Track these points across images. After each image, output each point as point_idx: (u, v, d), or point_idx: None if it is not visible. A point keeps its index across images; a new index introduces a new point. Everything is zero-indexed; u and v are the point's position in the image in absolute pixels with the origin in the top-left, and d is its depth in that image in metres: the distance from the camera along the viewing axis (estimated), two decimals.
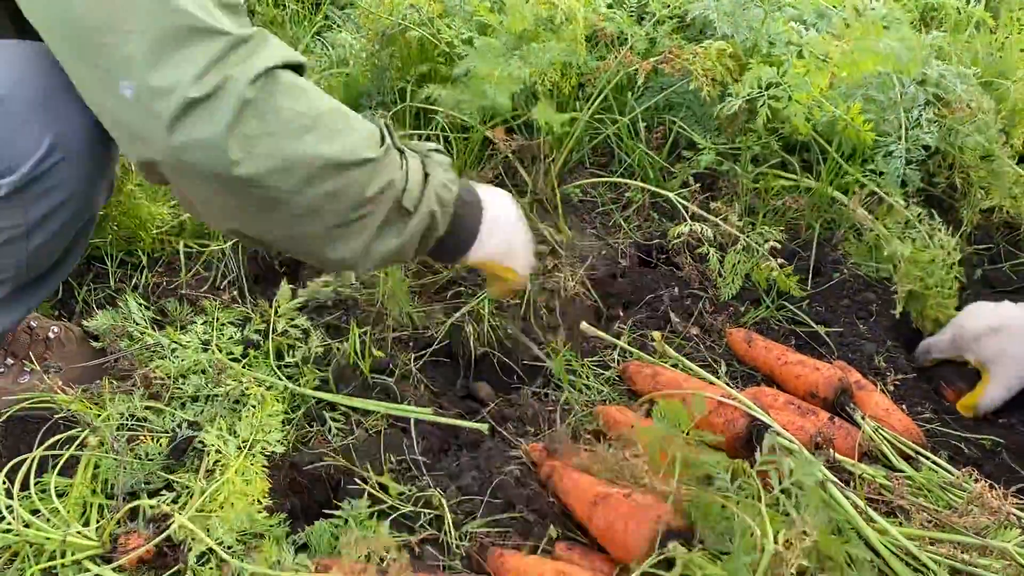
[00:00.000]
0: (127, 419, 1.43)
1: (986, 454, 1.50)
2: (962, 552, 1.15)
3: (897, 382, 1.60)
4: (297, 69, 1.10)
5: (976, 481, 1.26)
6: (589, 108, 1.95)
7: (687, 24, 2.02)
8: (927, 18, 1.96)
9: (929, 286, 1.64)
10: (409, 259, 1.30)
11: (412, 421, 1.47)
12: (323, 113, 1.09)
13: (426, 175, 1.23)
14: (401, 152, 1.22)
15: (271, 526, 1.27)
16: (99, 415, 1.41)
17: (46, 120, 1.21)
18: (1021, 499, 1.27)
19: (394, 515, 1.31)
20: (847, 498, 1.20)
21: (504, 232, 1.38)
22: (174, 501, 1.30)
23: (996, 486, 1.23)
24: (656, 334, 1.48)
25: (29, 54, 1.20)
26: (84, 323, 1.62)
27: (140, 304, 1.67)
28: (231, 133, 1.01)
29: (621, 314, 1.78)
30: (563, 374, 1.54)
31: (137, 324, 1.63)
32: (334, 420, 1.49)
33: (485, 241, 1.34)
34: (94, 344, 1.62)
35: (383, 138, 1.17)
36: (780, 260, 1.82)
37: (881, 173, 1.77)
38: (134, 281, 1.81)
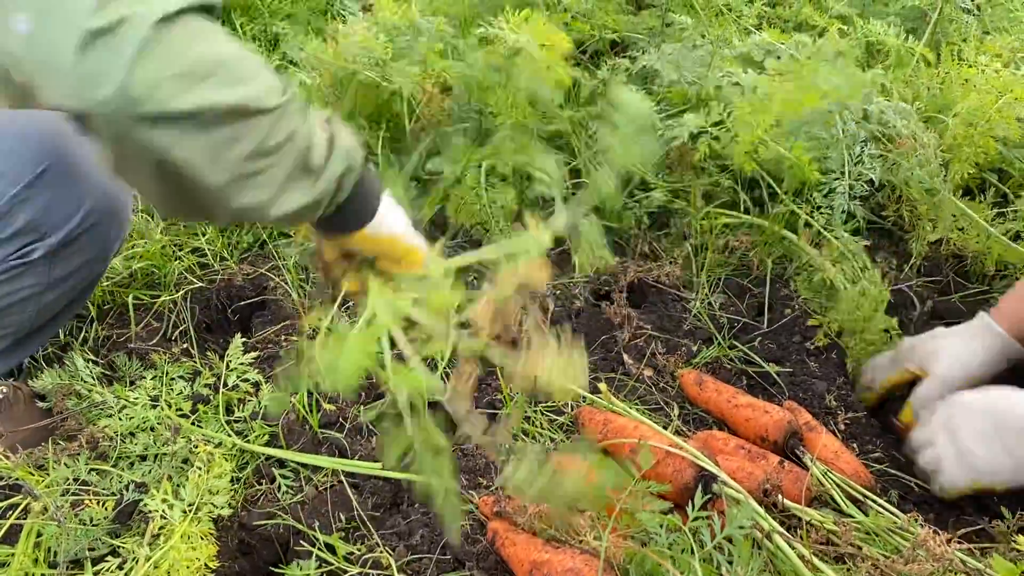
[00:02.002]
0: (71, 483, 1.41)
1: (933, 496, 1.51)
2: None
3: (848, 420, 1.61)
4: (208, 10, 1.07)
5: (922, 526, 1.27)
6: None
7: (631, 74, 2.04)
8: (871, 53, 1.99)
9: (857, 321, 1.66)
10: (313, 221, 1.28)
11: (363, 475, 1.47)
12: (227, 59, 1.06)
13: (332, 137, 1.20)
14: (303, 106, 1.17)
15: None
16: (42, 480, 1.38)
17: (87, 187, 1.24)
18: (963, 544, 1.28)
19: None
20: (792, 548, 1.21)
21: (402, 206, 1.37)
22: (119, 568, 1.28)
23: (939, 532, 1.24)
24: (602, 385, 1.48)
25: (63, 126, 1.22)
26: (30, 382, 1.60)
27: (88, 360, 1.65)
28: (132, 72, 0.98)
29: None
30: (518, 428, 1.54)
31: (84, 382, 1.61)
32: (283, 477, 1.48)
33: (388, 211, 1.32)
34: (41, 404, 1.60)
35: (284, 88, 1.14)
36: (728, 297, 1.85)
37: (819, 207, 1.80)
38: (83, 334, 1.79)
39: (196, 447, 1.46)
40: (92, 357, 1.67)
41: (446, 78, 2.04)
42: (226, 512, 1.33)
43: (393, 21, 2.12)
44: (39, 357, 1.73)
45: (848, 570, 1.25)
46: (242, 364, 1.63)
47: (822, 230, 1.77)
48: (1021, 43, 1.97)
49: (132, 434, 1.52)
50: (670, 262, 1.91)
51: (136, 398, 1.57)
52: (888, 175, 1.77)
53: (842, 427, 1.60)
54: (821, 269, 1.73)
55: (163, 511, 1.30)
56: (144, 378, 1.63)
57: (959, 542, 1.25)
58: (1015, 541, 1.28)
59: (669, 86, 2.03)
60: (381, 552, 1.31)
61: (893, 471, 1.53)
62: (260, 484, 1.48)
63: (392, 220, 1.33)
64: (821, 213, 1.80)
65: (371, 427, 1.60)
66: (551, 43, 1.80)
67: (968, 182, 1.90)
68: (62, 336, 1.79)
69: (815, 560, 1.20)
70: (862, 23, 1.93)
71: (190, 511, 1.31)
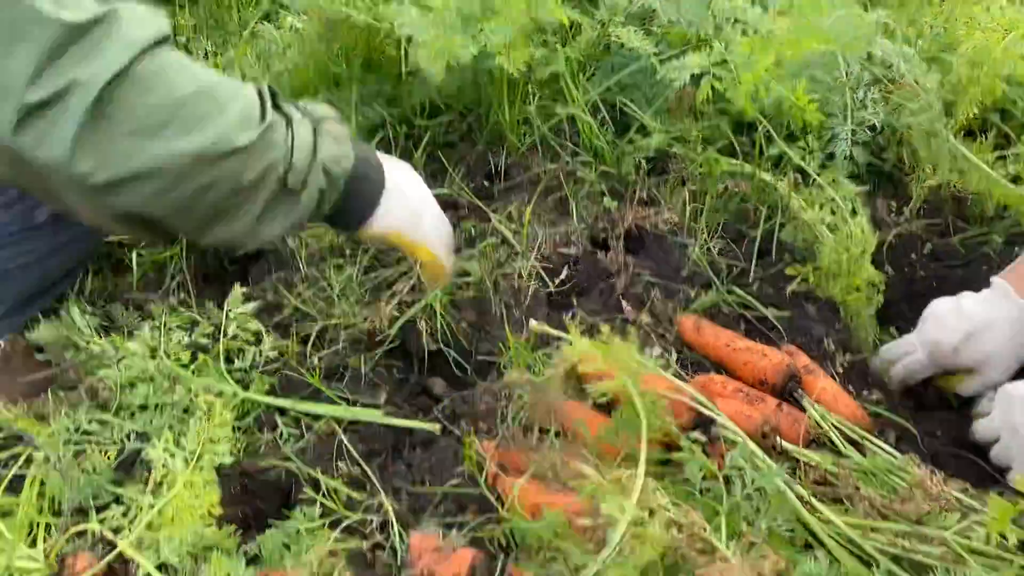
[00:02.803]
0: (73, 433, 1.41)
1: (930, 435, 1.52)
2: (903, 539, 1.18)
3: (846, 364, 1.61)
4: (161, 42, 0.98)
5: (918, 467, 1.28)
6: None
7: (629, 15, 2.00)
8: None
9: (842, 265, 1.65)
10: (303, 230, 1.25)
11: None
12: (188, 96, 0.98)
13: (315, 148, 1.14)
14: (289, 121, 1.13)
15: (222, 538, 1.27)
16: (44, 431, 1.39)
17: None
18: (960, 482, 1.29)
19: (347, 522, 1.31)
20: (792, 490, 1.22)
21: (407, 201, 1.35)
22: (124, 515, 1.30)
23: (936, 472, 1.26)
24: (604, 327, 1.48)
25: None
26: (27, 334, 1.60)
27: (84, 311, 1.65)
28: (78, 145, 0.92)
29: (575, 302, 1.78)
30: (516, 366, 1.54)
31: (82, 332, 1.61)
32: (285, 425, 1.48)
33: (386, 211, 1.30)
34: (40, 356, 1.60)
35: (263, 112, 1.07)
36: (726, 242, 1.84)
37: (812, 151, 1.78)
38: (79, 286, 1.78)
39: (196, 396, 1.47)
40: (89, 309, 1.67)
41: None
42: (228, 460, 1.34)
43: None
44: None
45: (846, 510, 1.27)
46: (242, 313, 1.63)
47: (815, 175, 1.75)
48: None
49: (132, 385, 1.52)
50: (669, 208, 1.89)
51: (135, 349, 1.57)
52: (890, 118, 1.75)
53: (840, 370, 1.61)
54: (803, 216, 1.71)
55: (165, 460, 1.30)
56: (142, 329, 1.63)
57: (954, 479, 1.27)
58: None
59: (668, 25, 2.00)
60: (383, 498, 1.33)
61: (891, 414, 1.54)
62: (262, 433, 1.48)
63: (395, 217, 1.31)
64: (813, 157, 1.78)
65: (371, 376, 1.60)
66: None
67: (971, 123, 1.88)
68: None
69: (813, 500, 1.22)
70: None
71: (192, 459, 1.32)
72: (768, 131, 1.79)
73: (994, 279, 1.58)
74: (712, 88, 1.68)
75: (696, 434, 1.30)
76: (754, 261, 1.82)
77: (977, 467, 1.49)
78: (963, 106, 1.82)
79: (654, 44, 1.93)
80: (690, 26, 1.85)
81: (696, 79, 1.71)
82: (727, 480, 1.21)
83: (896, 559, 1.17)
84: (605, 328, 1.35)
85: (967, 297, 1.59)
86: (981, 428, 1.51)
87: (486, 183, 2.07)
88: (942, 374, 1.62)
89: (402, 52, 1.98)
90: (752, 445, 1.27)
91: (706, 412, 1.31)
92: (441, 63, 1.66)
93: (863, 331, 1.71)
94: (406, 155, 2.09)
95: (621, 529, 1.05)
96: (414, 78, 2.04)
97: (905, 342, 1.64)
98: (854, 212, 1.68)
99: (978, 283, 1.63)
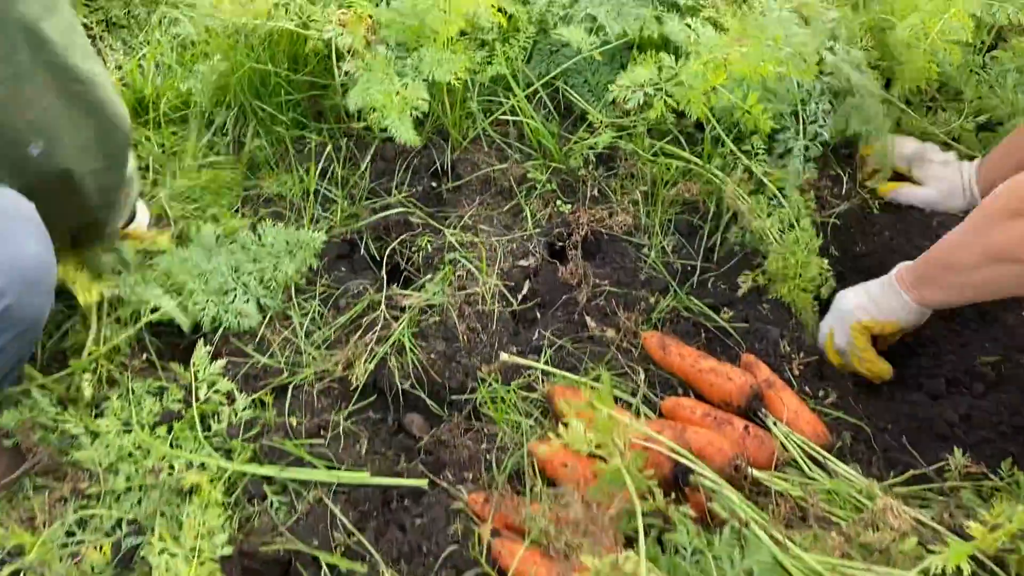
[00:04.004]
0: (65, 537, 1.41)
1: (880, 432, 1.64)
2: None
3: (801, 366, 1.70)
4: None
5: (881, 493, 1.40)
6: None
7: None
8: None
9: (789, 268, 1.71)
10: None
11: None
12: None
13: None
14: None
15: None
16: (37, 542, 1.39)
17: None
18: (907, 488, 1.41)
19: None
20: (768, 534, 1.32)
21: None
22: None
23: (895, 496, 1.37)
24: (605, 375, 1.50)
25: None
26: None
27: (43, 388, 1.60)
28: None
29: (539, 316, 1.81)
30: (499, 419, 1.58)
31: (46, 412, 1.58)
32: (274, 494, 1.51)
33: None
34: (7, 442, 1.57)
35: None
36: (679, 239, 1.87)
37: (757, 153, 1.81)
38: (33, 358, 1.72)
39: (181, 474, 1.48)
40: (45, 383, 1.62)
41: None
42: (227, 551, 1.36)
43: None
44: None
45: (815, 537, 1.38)
46: (212, 374, 1.62)
47: (756, 172, 1.79)
48: None
49: (113, 468, 1.51)
50: (622, 209, 1.90)
51: (107, 426, 1.55)
52: (839, 123, 1.77)
53: (796, 372, 1.69)
54: (754, 220, 1.76)
55: (166, 562, 1.32)
56: (109, 399, 1.60)
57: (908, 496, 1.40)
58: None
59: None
60: (383, 569, 1.38)
61: (845, 416, 1.64)
62: (252, 504, 1.50)
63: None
64: (759, 160, 1.81)
65: (349, 427, 1.62)
66: None
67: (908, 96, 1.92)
68: None
69: (790, 544, 1.32)
70: None
71: (192, 556, 1.34)
72: (717, 133, 1.80)
73: (893, 274, 1.67)
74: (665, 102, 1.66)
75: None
76: (706, 258, 1.86)
77: (923, 454, 1.62)
78: (900, 83, 1.86)
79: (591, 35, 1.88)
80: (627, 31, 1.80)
81: (649, 96, 1.69)
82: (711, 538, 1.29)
83: None
84: (606, 376, 1.38)
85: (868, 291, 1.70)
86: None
87: (433, 184, 2.03)
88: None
89: (333, 58, 1.88)
90: (729, 491, 1.35)
91: (684, 462, 1.38)
92: (408, 122, 1.61)
93: (810, 323, 1.80)
94: (349, 157, 2.03)
95: None
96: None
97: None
98: (798, 220, 1.73)
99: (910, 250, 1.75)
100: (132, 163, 1.63)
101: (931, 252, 1.60)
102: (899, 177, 2.01)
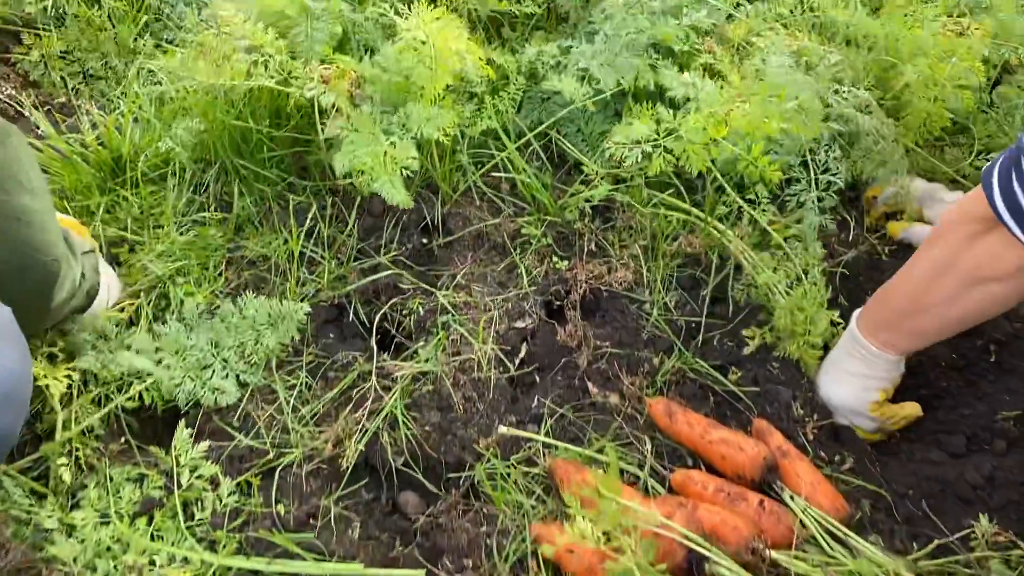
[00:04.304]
0: None
1: (900, 497, 1.55)
2: None
3: (816, 429, 1.62)
4: None
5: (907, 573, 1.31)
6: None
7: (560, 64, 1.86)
8: (824, 35, 1.84)
9: (798, 324, 1.63)
10: None
11: None
12: None
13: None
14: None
15: None
16: None
17: None
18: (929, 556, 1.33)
19: None
20: None
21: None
22: None
23: None
24: (611, 452, 1.42)
25: None
26: None
27: (16, 481, 1.51)
28: None
29: (537, 380, 1.73)
30: (499, 501, 1.49)
31: (18, 504, 1.49)
32: None
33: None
34: None
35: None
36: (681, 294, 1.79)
37: (761, 202, 1.73)
38: None
39: (163, 570, 1.39)
40: (18, 473, 1.53)
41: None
42: None
43: (277, 7, 1.86)
44: None
45: None
46: (194, 458, 1.53)
47: (759, 221, 1.71)
48: None
49: (91, 568, 1.41)
50: (620, 262, 1.82)
51: (83, 518, 1.46)
52: (852, 170, 1.70)
53: (811, 436, 1.61)
54: (760, 274, 1.68)
55: None
56: (87, 487, 1.51)
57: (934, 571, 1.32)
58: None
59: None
60: None
61: (863, 483, 1.56)
62: None
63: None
64: (765, 211, 1.73)
65: (340, 511, 1.53)
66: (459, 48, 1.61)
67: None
68: None
69: None
70: None
71: None
72: (720, 184, 1.72)
73: (859, 341, 1.61)
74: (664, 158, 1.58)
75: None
76: (711, 314, 1.78)
77: (947, 521, 1.54)
78: (909, 127, 1.79)
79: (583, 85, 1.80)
80: (620, 82, 1.73)
81: (647, 153, 1.61)
82: None
83: None
84: (611, 452, 1.30)
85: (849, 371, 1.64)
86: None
87: (423, 240, 1.95)
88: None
89: (316, 116, 1.80)
90: None
91: (698, 549, 1.30)
92: (399, 183, 1.53)
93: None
94: (336, 215, 1.95)
95: None
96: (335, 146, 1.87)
97: None
98: (807, 272, 1.65)
99: None
100: (73, 274, 1.56)
101: (891, 305, 1.56)
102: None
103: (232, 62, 1.70)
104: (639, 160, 1.55)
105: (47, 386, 1.55)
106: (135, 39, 2.56)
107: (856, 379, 1.61)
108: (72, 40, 2.56)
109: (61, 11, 2.56)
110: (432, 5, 1.67)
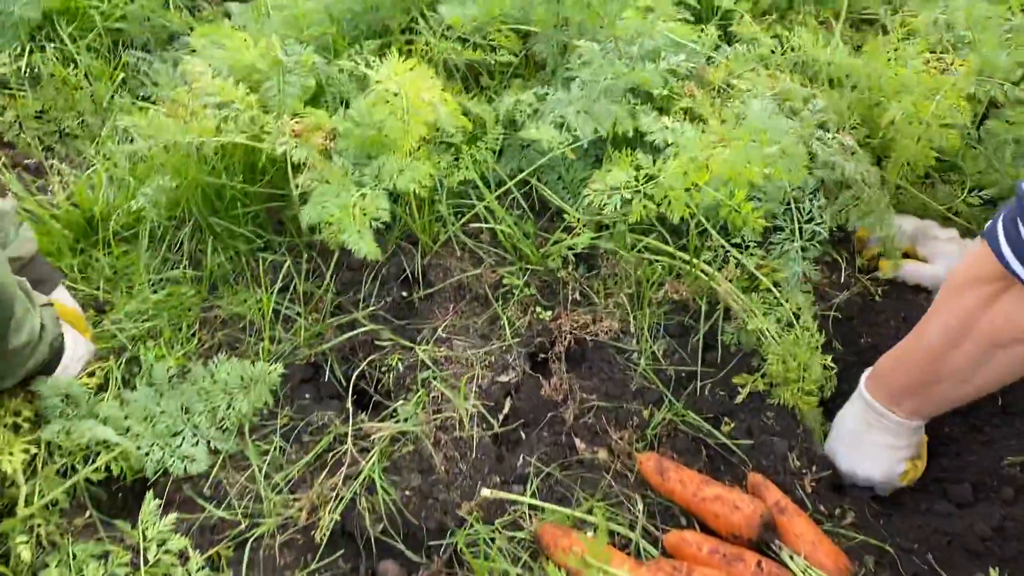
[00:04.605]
0: None
1: (906, 553, 1.48)
2: None
3: (814, 482, 1.54)
4: None
5: None
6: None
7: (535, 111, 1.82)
8: (805, 75, 1.81)
9: (791, 370, 1.57)
10: None
11: None
12: None
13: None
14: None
15: None
16: None
17: None
18: None
19: None
20: None
21: None
22: None
23: None
24: (600, 516, 1.34)
25: None
26: None
27: None
28: None
29: (523, 437, 1.66)
30: (481, 572, 1.41)
31: None
32: None
33: None
34: None
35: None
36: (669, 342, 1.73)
37: (748, 246, 1.68)
38: None
39: None
40: None
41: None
42: None
43: (248, 61, 1.82)
44: None
45: None
46: (161, 531, 1.45)
47: (747, 266, 1.66)
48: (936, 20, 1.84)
49: None
50: (606, 311, 1.76)
51: None
52: (837, 218, 1.65)
53: (808, 490, 1.54)
54: (750, 320, 1.62)
55: None
56: (47, 566, 1.43)
57: None
58: None
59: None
60: None
61: (866, 539, 1.48)
62: None
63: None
64: (752, 255, 1.68)
65: None
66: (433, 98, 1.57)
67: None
68: None
69: None
70: (788, 34, 1.75)
71: None
72: (704, 228, 1.67)
73: (882, 413, 1.53)
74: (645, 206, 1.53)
75: None
76: (701, 361, 1.72)
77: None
78: (894, 167, 1.75)
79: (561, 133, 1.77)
80: (598, 130, 1.69)
81: (626, 200, 1.56)
82: None
83: None
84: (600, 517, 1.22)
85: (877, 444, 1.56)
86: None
87: (403, 293, 1.89)
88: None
89: (289, 170, 1.75)
90: None
91: None
92: (368, 235, 1.48)
93: (817, 430, 1.65)
94: (312, 269, 1.90)
95: None
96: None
97: None
98: (798, 317, 1.59)
99: None
100: (31, 319, 1.49)
101: (910, 375, 1.46)
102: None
103: (200, 119, 1.66)
104: (619, 207, 1.50)
105: (8, 461, 1.47)
106: (111, 97, 2.53)
107: (884, 451, 1.53)
108: (48, 99, 2.53)
109: (36, 71, 2.54)
110: (407, 56, 1.64)
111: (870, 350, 1.78)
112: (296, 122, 1.72)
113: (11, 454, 1.48)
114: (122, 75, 2.57)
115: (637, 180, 1.52)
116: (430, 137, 1.73)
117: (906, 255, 1.88)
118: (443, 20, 1.86)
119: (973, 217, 1.92)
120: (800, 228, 1.55)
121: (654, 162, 1.51)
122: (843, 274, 1.88)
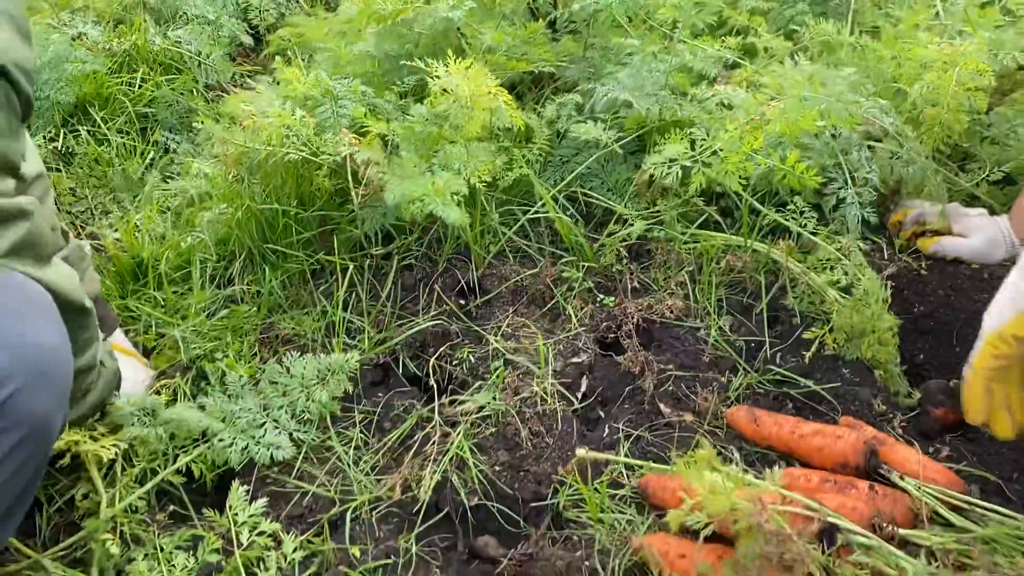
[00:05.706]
0: None
1: (1008, 480, 1.47)
2: None
3: (904, 423, 1.55)
4: None
5: None
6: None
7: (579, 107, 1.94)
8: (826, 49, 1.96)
9: (867, 321, 1.60)
10: None
11: None
12: None
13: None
14: None
15: None
16: None
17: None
18: None
19: None
20: None
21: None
22: None
23: None
24: (702, 452, 1.32)
25: None
26: None
27: (51, 559, 1.36)
28: None
29: (602, 414, 1.65)
30: (594, 515, 1.37)
31: None
32: None
33: None
34: None
35: None
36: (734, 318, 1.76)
37: (803, 212, 1.75)
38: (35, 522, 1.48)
39: None
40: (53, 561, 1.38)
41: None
42: None
43: (303, 91, 1.91)
44: None
45: None
46: (252, 516, 1.40)
47: (804, 234, 1.72)
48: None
49: None
50: (668, 292, 1.80)
51: None
52: (884, 170, 1.74)
53: (900, 431, 1.53)
54: (809, 280, 1.66)
55: None
56: (134, 560, 1.36)
57: None
58: None
59: (614, 111, 1.94)
60: None
61: (968, 468, 1.47)
62: None
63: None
64: (807, 219, 1.74)
65: (418, 554, 1.39)
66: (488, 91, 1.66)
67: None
68: None
69: None
70: (814, 23, 1.90)
71: None
72: (754, 202, 1.74)
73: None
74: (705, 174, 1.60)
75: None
76: (768, 334, 1.74)
77: None
78: (930, 140, 1.84)
79: (607, 130, 1.86)
80: (649, 111, 1.78)
81: (685, 169, 1.63)
82: None
83: None
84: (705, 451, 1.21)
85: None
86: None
87: (461, 302, 1.91)
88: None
89: (349, 179, 1.80)
90: (889, 547, 1.16)
91: (830, 520, 1.19)
92: (453, 204, 1.53)
93: (895, 382, 1.66)
94: (369, 289, 1.92)
95: None
96: (369, 209, 1.86)
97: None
98: (862, 265, 1.64)
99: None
100: (96, 343, 1.46)
101: None
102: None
103: (265, 130, 1.73)
104: (677, 178, 1.57)
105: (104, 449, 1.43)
106: (142, 174, 2.60)
107: None
108: (81, 177, 2.59)
109: (70, 150, 2.61)
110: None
111: (926, 317, 1.83)
112: (353, 136, 1.79)
113: (98, 449, 1.43)
114: (152, 153, 2.65)
115: (693, 148, 1.59)
116: (484, 137, 1.80)
117: (938, 233, 1.96)
118: (485, 43, 1.98)
119: (994, 197, 2.02)
120: (852, 175, 1.62)
121: (708, 135, 1.59)
122: (885, 254, 1.95)
